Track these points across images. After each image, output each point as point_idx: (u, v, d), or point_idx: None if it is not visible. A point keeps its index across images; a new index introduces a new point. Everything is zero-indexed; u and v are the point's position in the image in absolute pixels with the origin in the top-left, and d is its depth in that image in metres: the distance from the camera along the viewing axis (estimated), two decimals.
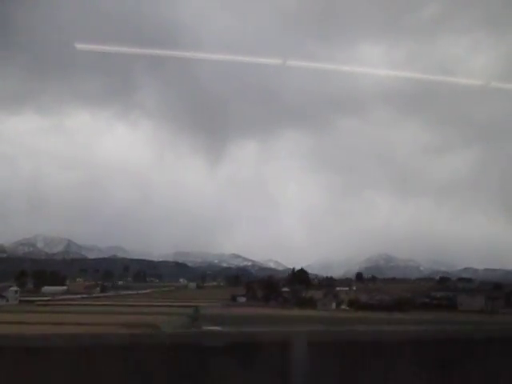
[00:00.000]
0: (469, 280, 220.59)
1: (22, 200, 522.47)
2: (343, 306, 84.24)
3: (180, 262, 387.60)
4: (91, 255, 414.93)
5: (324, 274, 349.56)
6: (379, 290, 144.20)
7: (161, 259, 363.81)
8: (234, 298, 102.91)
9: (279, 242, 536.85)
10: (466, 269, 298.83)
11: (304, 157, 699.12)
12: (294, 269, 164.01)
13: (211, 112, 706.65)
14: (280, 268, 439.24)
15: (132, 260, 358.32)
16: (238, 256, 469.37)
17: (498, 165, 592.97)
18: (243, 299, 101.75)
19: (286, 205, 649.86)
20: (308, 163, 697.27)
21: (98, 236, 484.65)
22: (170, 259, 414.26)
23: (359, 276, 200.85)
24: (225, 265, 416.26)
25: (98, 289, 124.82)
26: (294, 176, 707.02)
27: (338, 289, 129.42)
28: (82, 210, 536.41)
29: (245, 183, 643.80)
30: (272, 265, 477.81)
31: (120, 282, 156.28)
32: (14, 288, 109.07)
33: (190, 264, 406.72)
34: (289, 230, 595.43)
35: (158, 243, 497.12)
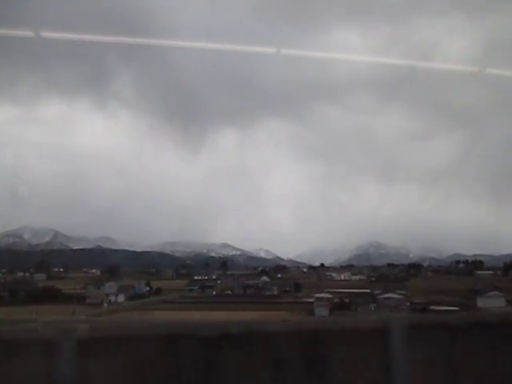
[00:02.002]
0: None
1: (7, 191, 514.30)
2: None
3: (164, 252, 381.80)
4: (78, 246, 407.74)
5: (315, 262, 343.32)
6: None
7: (145, 249, 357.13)
8: None
9: (270, 232, 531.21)
10: (455, 255, 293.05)
11: (286, 145, 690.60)
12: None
13: (189, 101, 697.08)
14: (270, 257, 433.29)
15: (116, 250, 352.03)
16: (227, 245, 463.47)
17: (482, 150, 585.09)
18: None
19: (273, 194, 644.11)
20: (291, 151, 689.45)
21: (86, 227, 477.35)
22: (158, 249, 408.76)
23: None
24: (213, 254, 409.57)
25: None
26: (277, 164, 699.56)
27: (195, 278, 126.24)
28: (69, 201, 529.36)
29: (228, 172, 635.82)
30: (262, 254, 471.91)
31: None
32: None
33: (177, 254, 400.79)
34: (279, 219, 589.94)
35: (147, 233, 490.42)
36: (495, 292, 78.41)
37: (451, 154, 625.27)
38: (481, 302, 71.32)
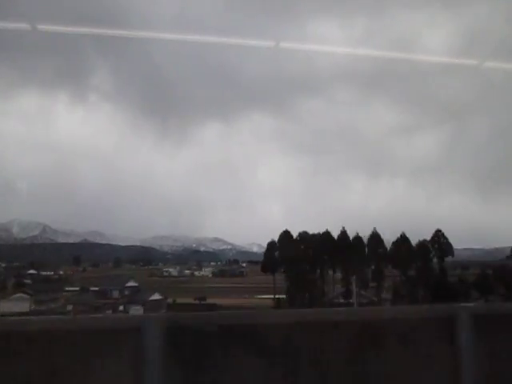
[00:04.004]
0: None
1: None
2: None
3: (153, 246, 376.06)
4: (66, 240, 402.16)
5: None
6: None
7: (131, 244, 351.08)
8: None
9: (263, 226, 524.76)
10: None
11: (273, 139, 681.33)
12: None
13: (172, 94, 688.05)
14: (261, 251, 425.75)
15: (102, 245, 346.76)
16: (218, 240, 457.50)
17: (468, 144, 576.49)
18: None
19: (264, 188, 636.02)
20: (278, 145, 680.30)
21: (76, 221, 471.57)
22: (148, 243, 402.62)
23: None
24: (202, 248, 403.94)
25: None
26: (265, 158, 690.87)
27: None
28: (58, 195, 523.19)
29: (216, 166, 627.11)
30: (255, 248, 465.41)
31: None
32: None
33: (166, 248, 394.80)
34: (272, 213, 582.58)
35: (139, 228, 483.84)
36: (21, 294, 69.76)
37: (439, 147, 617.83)
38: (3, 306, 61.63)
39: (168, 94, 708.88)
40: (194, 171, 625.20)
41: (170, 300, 74.74)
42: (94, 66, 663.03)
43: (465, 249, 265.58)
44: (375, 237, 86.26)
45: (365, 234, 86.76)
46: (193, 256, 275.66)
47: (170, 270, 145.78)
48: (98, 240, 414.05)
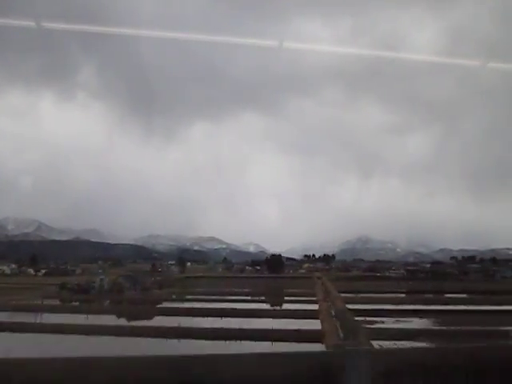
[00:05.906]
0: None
1: None
2: None
3: (145, 245, 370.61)
4: (60, 237, 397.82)
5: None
6: None
7: (120, 242, 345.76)
8: None
9: (260, 227, 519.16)
10: (441, 249, 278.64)
11: (264, 139, 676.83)
12: None
13: (159, 92, 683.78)
14: (257, 251, 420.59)
15: (93, 242, 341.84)
16: (214, 239, 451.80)
17: (461, 144, 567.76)
18: None
19: (261, 188, 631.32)
20: (269, 145, 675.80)
21: (71, 219, 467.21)
22: (142, 242, 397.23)
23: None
24: (196, 247, 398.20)
25: None
26: (257, 159, 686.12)
27: None
28: (52, 193, 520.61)
29: (209, 166, 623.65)
30: (252, 248, 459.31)
31: None
32: None
33: (159, 247, 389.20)
34: (270, 214, 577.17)
35: (135, 226, 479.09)
36: None
37: (432, 147, 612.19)
38: None
39: (159, 93, 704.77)
40: (190, 171, 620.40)
41: None
42: (81, 65, 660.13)
43: (460, 249, 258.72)
44: None
45: None
46: (183, 255, 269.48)
47: (4, 267, 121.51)
48: (93, 238, 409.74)
